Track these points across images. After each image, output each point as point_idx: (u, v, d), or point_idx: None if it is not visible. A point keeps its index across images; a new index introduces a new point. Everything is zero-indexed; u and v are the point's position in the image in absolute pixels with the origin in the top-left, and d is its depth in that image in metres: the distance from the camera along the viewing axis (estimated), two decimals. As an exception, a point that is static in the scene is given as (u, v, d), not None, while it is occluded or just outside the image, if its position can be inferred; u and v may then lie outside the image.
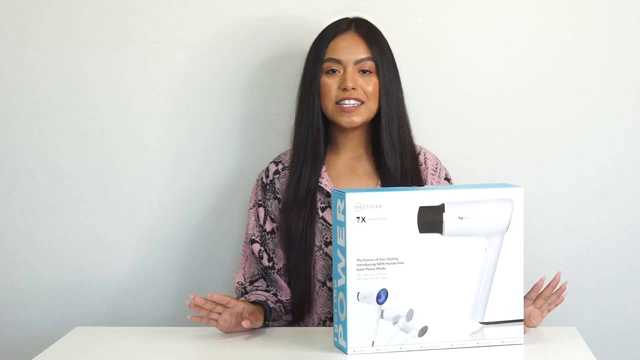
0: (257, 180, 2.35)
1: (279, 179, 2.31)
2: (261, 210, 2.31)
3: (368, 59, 2.24)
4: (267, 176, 2.33)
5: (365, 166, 2.30)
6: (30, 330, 2.60)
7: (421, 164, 2.31)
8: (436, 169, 2.32)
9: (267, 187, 2.32)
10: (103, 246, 2.58)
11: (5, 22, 2.54)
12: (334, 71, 2.24)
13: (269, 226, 2.30)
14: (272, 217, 2.30)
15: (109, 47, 2.54)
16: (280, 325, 2.24)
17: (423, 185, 2.28)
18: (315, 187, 2.26)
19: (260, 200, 2.32)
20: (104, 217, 2.57)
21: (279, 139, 2.51)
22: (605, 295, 2.56)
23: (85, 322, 2.57)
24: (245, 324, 2.03)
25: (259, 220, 2.31)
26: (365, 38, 2.25)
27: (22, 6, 2.53)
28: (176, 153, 2.56)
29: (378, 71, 2.24)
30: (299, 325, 2.28)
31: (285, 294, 2.27)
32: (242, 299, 2.22)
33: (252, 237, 2.30)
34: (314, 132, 2.26)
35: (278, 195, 2.30)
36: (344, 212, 1.87)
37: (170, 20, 2.53)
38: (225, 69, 2.54)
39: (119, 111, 2.56)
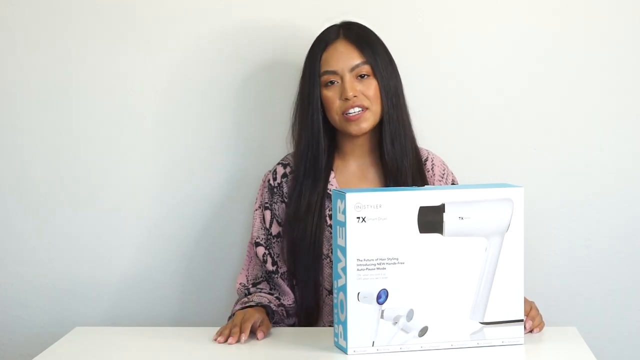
0: (264, 181, 2.34)
1: (287, 182, 2.30)
2: (267, 213, 2.30)
3: (363, 63, 2.23)
4: (274, 178, 2.32)
5: (373, 173, 2.29)
6: (30, 330, 2.60)
7: (428, 171, 2.30)
8: (443, 175, 2.32)
9: (275, 189, 2.31)
10: (103, 246, 2.58)
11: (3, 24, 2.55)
12: (332, 82, 2.23)
13: (275, 229, 2.29)
14: (279, 220, 2.29)
15: (111, 50, 2.54)
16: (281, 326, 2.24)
17: (425, 184, 2.28)
18: (322, 197, 2.25)
19: (266, 203, 2.31)
20: (104, 217, 2.57)
21: (278, 139, 2.50)
22: (605, 295, 2.56)
23: (85, 322, 2.57)
24: (260, 336, 2.04)
25: (264, 223, 2.30)
26: (356, 43, 2.24)
27: (18, 6, 2.53)
28: (177, 154, 2.56)
29: (375, 73, 2.23)
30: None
31: (288, 299, 2.26)
32: (245, 299, 2.22)
33: (257, 240, 2.30)
34: (314, 147, 2.25)
35: (286, 200, 2.29)
36: (344, 212, 1.87)
37: (171, 24, 2.53)
38: (227, 69, 2.54)
39: (118, 112, 2.55)
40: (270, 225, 2.29)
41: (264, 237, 2.29)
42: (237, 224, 2.55)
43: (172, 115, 2.56)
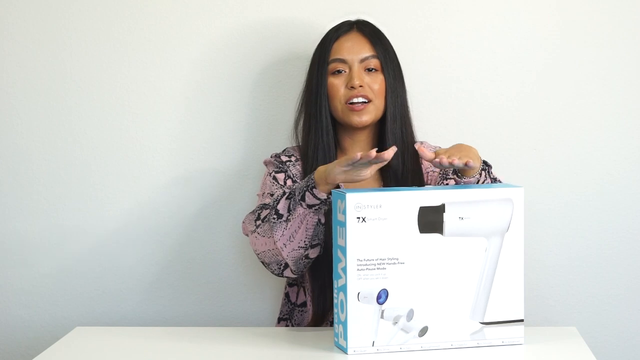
0: (268, 163, 2.27)
1: (293, 164, 2.27)
2: (280, 175, 2.23)
3: (373, 56, 2.24)
4: (278, 157, 2.26)
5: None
6: (30, 330, 2.60)
7: (422, 164, 2.31)
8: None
9: (281, 165, 2.25)
10: (103, 246, 2.58)
11: (15, 23, 2.55)
12: (340, 71, 2.24)
13: (289, 185, 2.22)
14: (294, 179, 2.23)
15: (111, 50, 2.54)
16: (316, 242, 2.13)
17: (423, 185, 2.28)
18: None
19: (276, 170, 2.24)
20: (104, 217, 2.57)
21: (280, 140, 2.50)
22: (605, 295, 2.56)
23: (85, 322, 2.57)
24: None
25: (277, 182, 2.22)
26: (368, 37, 2.26)
27: (18, 6, 2.53)
28: (177, 153, 2.56)
29: (383, 69, 2.24)
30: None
31: None
32: (295, 186, 2.11)
33: (270, 192, 2.20)
34: (325, 136, 2.25)
35: (293, 179, 2.25)
36: (344, 212, 1.87)
37: (177, 24, 2.53)
38: (228, 69, 2.54)
39: (118, 112, 2.56)
40: (285, 183, 2.23)
41: (277, 191, 2.20)
42: (237, 222, 2.55)
43: (172, 115, 2.56)
